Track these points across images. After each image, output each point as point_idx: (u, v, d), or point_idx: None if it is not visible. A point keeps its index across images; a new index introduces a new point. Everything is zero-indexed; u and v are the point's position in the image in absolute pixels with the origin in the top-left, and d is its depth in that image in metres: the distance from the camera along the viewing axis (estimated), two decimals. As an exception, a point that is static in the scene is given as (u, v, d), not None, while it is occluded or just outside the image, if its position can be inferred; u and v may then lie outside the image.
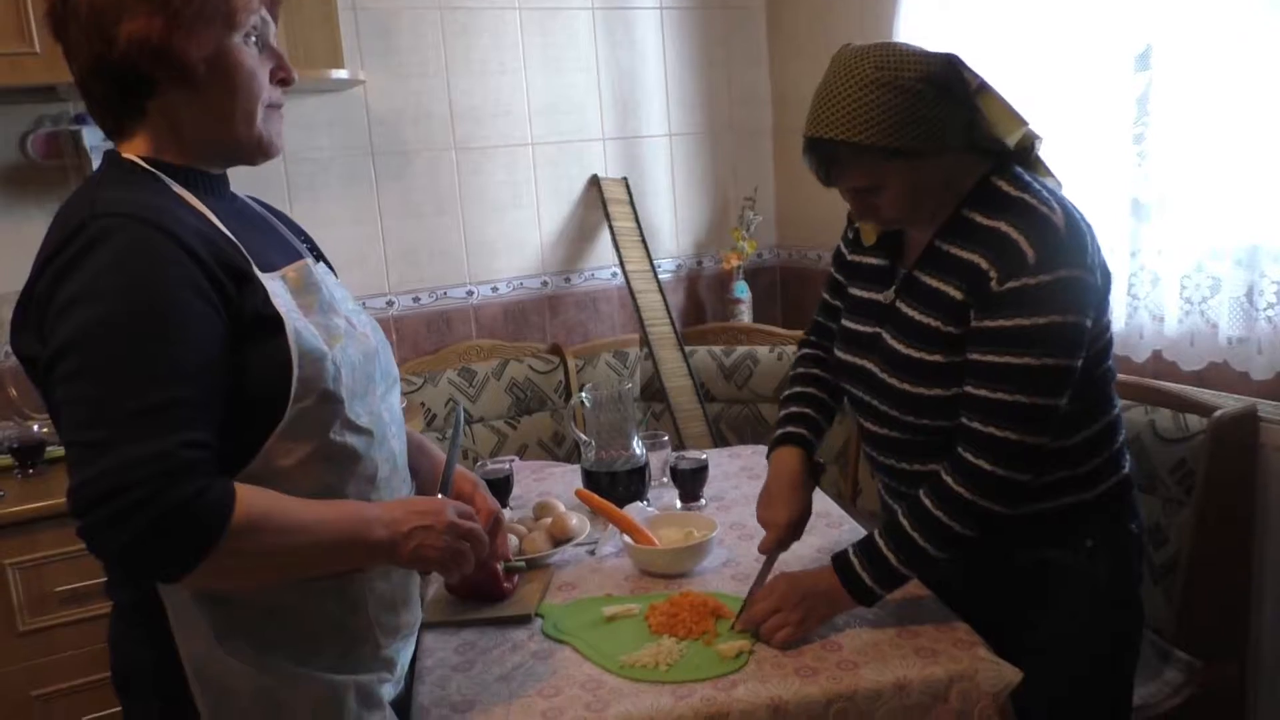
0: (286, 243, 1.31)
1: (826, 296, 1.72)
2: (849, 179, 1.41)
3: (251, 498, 1.05)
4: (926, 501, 1.40)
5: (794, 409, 1.71)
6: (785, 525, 1.58)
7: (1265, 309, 1.99)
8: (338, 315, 1.22)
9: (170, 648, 1.13)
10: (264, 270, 1.15)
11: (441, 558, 1.18)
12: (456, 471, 1.44)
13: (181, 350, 1.03)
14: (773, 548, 1.58)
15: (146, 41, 1.09)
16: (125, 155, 1.17)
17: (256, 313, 1.11)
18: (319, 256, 1.39)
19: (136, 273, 1.03)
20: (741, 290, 3.54)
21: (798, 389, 1.74)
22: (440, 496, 1.29)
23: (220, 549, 1.01)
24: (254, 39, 1.16)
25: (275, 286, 1.14)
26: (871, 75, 1.33)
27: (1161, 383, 2.11)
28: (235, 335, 1.10)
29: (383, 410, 1.27)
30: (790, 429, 1.69)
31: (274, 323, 1.11)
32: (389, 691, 1.30)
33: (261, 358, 1.11)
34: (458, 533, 1.20)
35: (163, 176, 1.15)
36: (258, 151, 1.21)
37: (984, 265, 1.36)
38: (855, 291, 1.61)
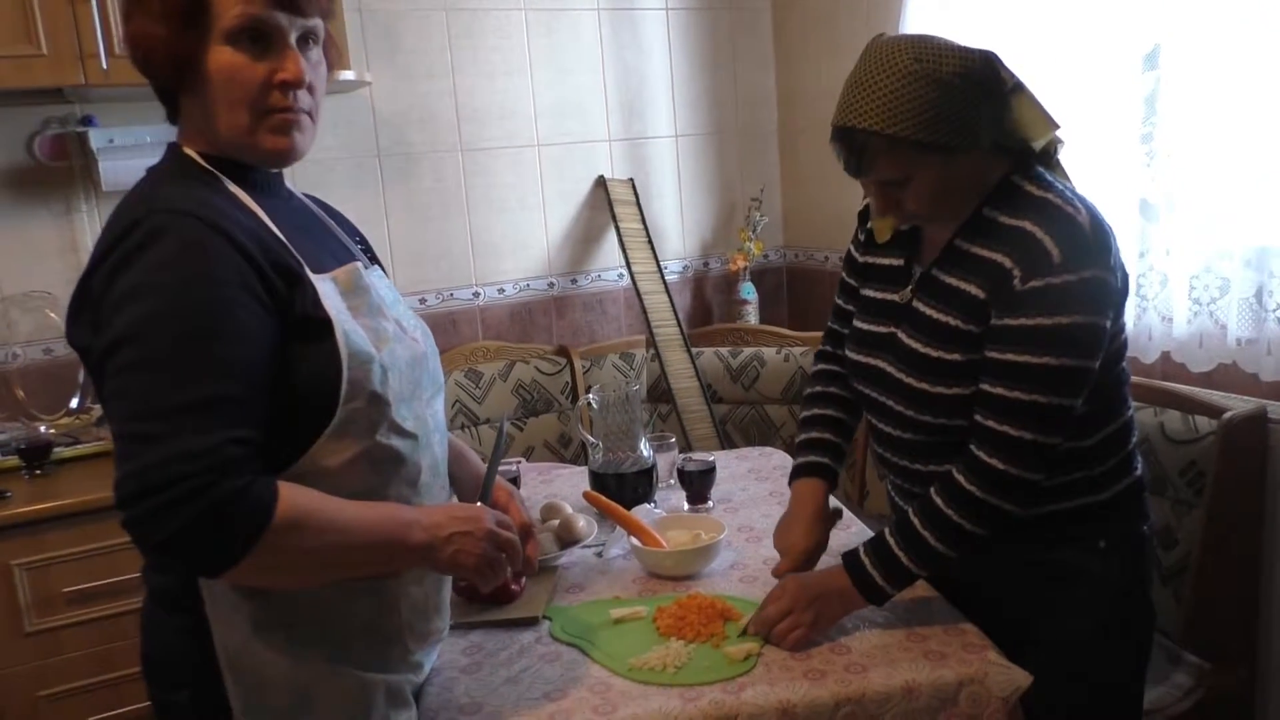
0: (340, 244, 1.32)
1: (839, 302, 1.70)
2: (878, 170, 1.38)
3: (294, 496, 1.05)
4: (938, 500, 1.40)
5: (813, 434, 1.70)
6: (802, 552, 1.57)
7: (1275, 310, 1.98)
8: (386, 319, 1.22)
9: (204, 636, 1.14)
10: (315, 271, 1.16)
11: (479, 565, 1.19)
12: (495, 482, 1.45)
13: (231, 347, 1.04)
14: (786, 573, 1.56)
15: (140, 43, 1.12)
16: (185, 150, 1.19)
17: (306, 314, 1.12)
18: (373, 258, 1.40)
19: (190, 269, 1.05)
20: (748, 291, 3.54)
21: (815, 410, 1.72)
22: (480, 505, 1.30)
23: (262, 546, 1.02)
24: (253, 38, 1.13)
25: (326, 288, 1.16)
26: (909, 66, 1.31)
27: (1170, 384, 2.10)
28: (286, 335, 1.11)
29: (428, 415, 1.28)
30: (812, 458, 1.68)
31: (324, 324, 1.12)
32: (412, 688, 1.31)
33: (311, 358, 1.12)
34: (496, 541, 1.21)
35: (218, 174, 1.17)
36: (260, 158, 1.20)
37: (1007, 264, 1.35)
38: (869, 293, 1.59)
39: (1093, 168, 2.27)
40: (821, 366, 1.76)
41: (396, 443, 1.19)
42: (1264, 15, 1.91)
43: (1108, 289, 1.34)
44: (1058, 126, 1.39)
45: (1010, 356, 1.34)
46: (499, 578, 1.23)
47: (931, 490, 1.42)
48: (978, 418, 1.38)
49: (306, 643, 1.17)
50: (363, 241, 1.41)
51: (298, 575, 1.12)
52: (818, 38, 3.38)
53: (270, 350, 1.09)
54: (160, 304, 1.03)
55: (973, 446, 1.38)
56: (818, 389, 1.74)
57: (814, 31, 3.40)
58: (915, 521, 1.41)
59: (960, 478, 1.38)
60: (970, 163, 1.39)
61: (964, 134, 1.34)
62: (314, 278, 1.15)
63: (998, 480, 1.36)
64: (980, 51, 1.35)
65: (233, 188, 1.17)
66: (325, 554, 1.09)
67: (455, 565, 1.18)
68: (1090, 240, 1.33)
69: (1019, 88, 1.38)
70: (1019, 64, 2.34)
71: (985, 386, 1.37)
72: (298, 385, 1.11)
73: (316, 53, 1.20)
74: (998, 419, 1.36)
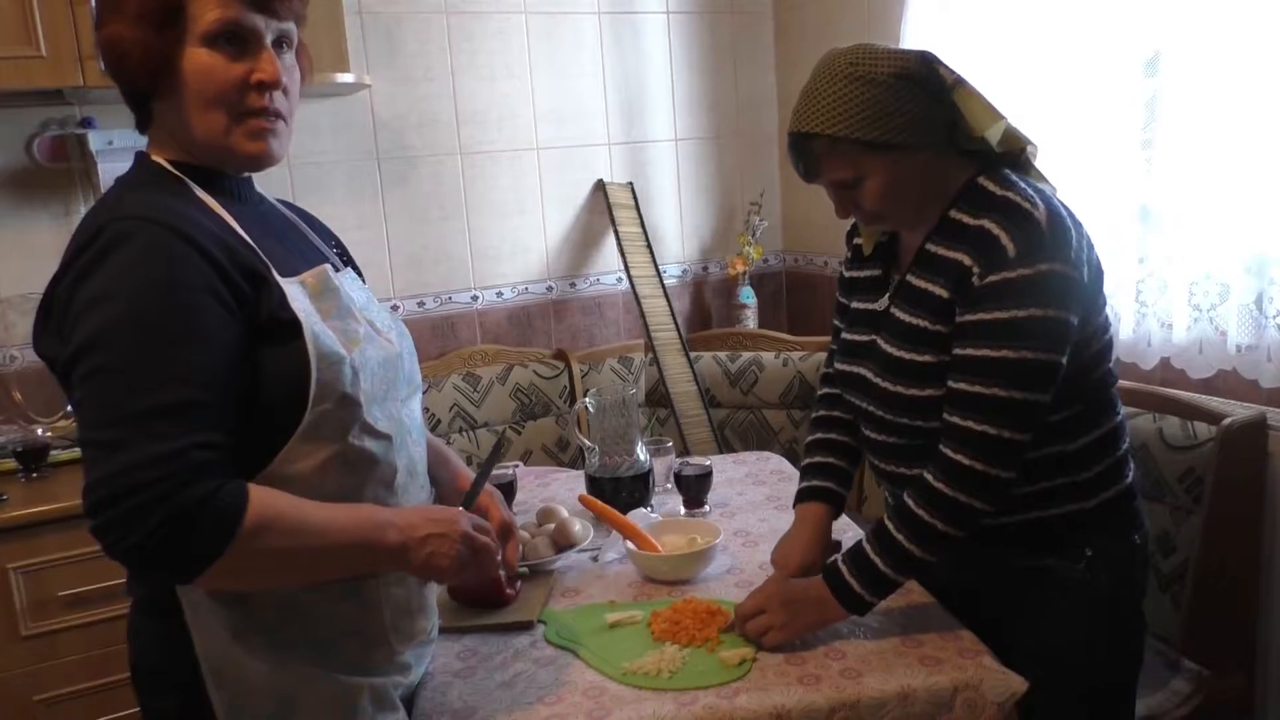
0: (312, 247, 1.32)
1: (836, 323, 1.71)
2: (828, 172, 1.43)
3: (264, 499, 1.05)
4: (909, 501, 1.40)
5: (816, 458, 1.71)
6: (796, 568, 1.57)
7: (1274, 316, 1.98)
8: (356, 320, 1.22)
9: (187, 644, 1.14)
10: (284, 275, 1.16)
11: (452, 567, 1.18)
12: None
13: (195, 352, 1.04)
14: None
15: (115, 45, 1.12)
16: (154, 158, 1.19)
17: (273, 316, 1.12)
18: (349, 261, 1.40)
19: (152, 275, 1.04)
20: (747, 296, 3.54)
21: (820, 434, 1.73)
22: (459, 509, 1.29)
23: (232, 550, 1.01)
24: (230, 40, 1.13)
25: (294, 291, 1.15)
26: (846, 70, 1.37)
27: (1170, 390, 2.10)
28: (252, 338, 1.11)
29: (403, 415, 1.28)
30: (816, 482, 1.68)
31: (291, 326, 1.12)
32: (403, 690, 1.31)
33: (279, 361, 1.11)
34: (471, 545, 1.20)
35: (186, 180, 1.17)
36: (236, 161, 1.20)
37: (967, 262, 1.37)
38: (855, 305, 1.62)
39: (1093, 173, 2.27)
40: (825, 390, 1.76)
41: (370, 444, 1.19)
42: (1264, 23, 1.91)
43: (1068, 282, 1.34)
44: (1003, 118, 1.40)
45: (971, 351, 1.36)
46: (474, 579, 1.22)
47: (905, 493, 1.42)
48: (945, 415, 1.39)
49: (287, 648, 1.16)
50: (338, 246, 1.41)
51: (272, 578, 1.12)
52: (819, 42, 3.37)
53: (235, 354, 1.08)
54: (121, 310, 1.03)
55: (941, 445, 1.39)
56: (821, 413, 1.75)
57: (815, 36, 3.40)
58: (890, 525, 1.41)
59: (930, 477, 1.39)
60: (924, 162, 1.41)
61: (905, 130, 1.37)
62: (281, 281, 1.14)
63: (965, 477, 1.36)
64: (917, 52, 1.40)
65: (201, 193, 1.17)
66: (298, 557, 1.09)
67: (429, 568, 1.17)
68: (1047, 234, 1.34)
69: (960, 83, 1.40)
70: (1020, 70, 2.38)
71: (951, 383, 1.38)
72: (267, 388, 1.11)
73: (290, 57, 1.20)
74: (962, 414, 1.36)
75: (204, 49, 1.12)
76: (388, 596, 1.24)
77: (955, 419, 1.37)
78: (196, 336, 1.05)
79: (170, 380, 1.02)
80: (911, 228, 1.49)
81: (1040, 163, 1.47)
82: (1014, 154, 1.45)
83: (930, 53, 1.40)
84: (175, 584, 1.11)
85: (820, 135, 1.38)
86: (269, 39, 1.16)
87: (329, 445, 1.15)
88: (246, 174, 1.26)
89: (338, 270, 1.28)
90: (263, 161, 1.19)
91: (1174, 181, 2.14)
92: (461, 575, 1.21)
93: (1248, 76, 1.95)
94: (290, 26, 1.19)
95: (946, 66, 1.40)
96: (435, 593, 1.38)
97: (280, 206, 1.36)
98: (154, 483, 0.97)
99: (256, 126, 1.16)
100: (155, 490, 0.97)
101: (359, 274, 1.39)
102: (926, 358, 1.42)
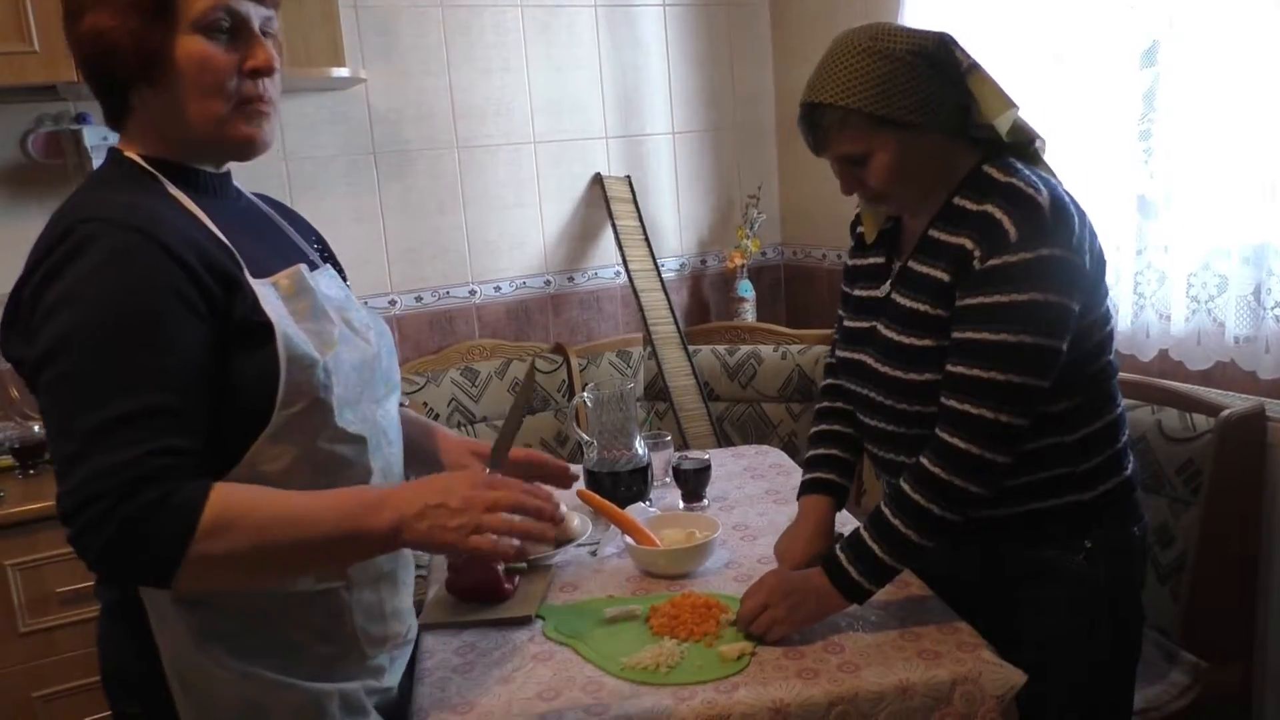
0: (290, 245, 1.29)
1: (840, 310, 1.70)
2: (836, 145, 1.42)
3: (228, 496, 1.02)
4: (906, 486, 1.40)
5: (820, 450, 1.70)
6: (800, 560, 1.56)
7: (1273, 307, 1.97)
8: (330, 321, 1.19)
9: (152, 650, 1.12)
10: (258, 275, 1.14)
11: (459, 537, 1.06)
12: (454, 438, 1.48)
13: (160, 357, 1.03)
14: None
15: (100, 36, 1.10)
16: (126, 154, 1.17)
17: (245, 319, 1.10)
18: (328, 258, 1.38)
19: (118, 279, 1.03)
20: (745, 289, 3.53)
21: (823, 426, 1.72)
22: (469, 470, 1.24)
23: (195, 551, 0.99)
24: (222, 27, 1.11)
25: (267, 292, 1.13)
26: (864, 45, 1.37)
27: (1168, 382, 2.10)
28: (223, 341, 1.09)
29: (379, 417, 1.25)
30: (820, 474, 1.67)
31: (264, 329, 1.10)
32: (378, 696, 1.28)
33: (251, 364, 1.09)
34: (482, 503, 1.07)
35: (160, 177, 1.15)
36: (230, 149, 1.18)
37: (969, 246, 1.37)
38: (857, 293, 1.61)
39: (1091, 164, 2.26)
40: (829, 381, 1.76)
41: (340, 448, 1.16)
42: (1262, 12, 1.90)
43: (1069, 268, 1.34)
44: (1015, 105, 1.40)
45: (970, 334, 1.35)
46: (513, 537, 1.08)
47: (902, 478, 1.41)
48: (942, 399, 1.38)
49: (251, 654, 1.14)
50: (319, 241, 1.39)
51: (254, 577, 1.09)
52: (815, 34, 3.36)
53: (202, 358, 1.06)
54: (85, 315, 1.01)
55: (938, 428, 1.38)
56: (825, 404, 1.74)
57: (812, 27, 3.39)
58: (886, 512, 1.41)
59: (925, 461, 1.38)
60: (932, 145, 1.41)
61: (917, 110, 1.37)
62: (254, 282, 1.12)
63: (960, 460, 1.35)
64: (935, 33, 1.40)
65: (174, 190, 1.15)
66: (273, 550, 1.04)
67: (433, 543, 1.06)
68: (1048, 220, 1.33)
69: (975, 68, 1.40)
70: (1018, 62, 2.37)
71: (949, 366, 1.38)
72: (240, 390, 1.09)
73: (272, 44, 1.19)
74: (959, 398, 1.36)
75: (198, 36, 1.10)
76: (357, 601, 1.21)
77: (952, 402, 1.37)
78: (160, 341, 1.03)
79: (131, 386, 1.00)
80: (914, 211, 1.49)
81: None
82: (1022, 146, 1.44)
83: (949, 35, 1.40)
84: (154, 588, 1.08)
85: (833, 106, 1.38)
86: (256, 25, 1.15)
87: (296, 447, 1.12)
88: (225, 169, 1.24)
89: (316, 267, 1.26)
90: (256, 148, 1.18)
91: (1172, 172, 2.14)
92: (476, 541, 1.06)
93: (1246, 67, 1.95)
94: (273, 13, 1.18)
95: (963, 50, 1.40)
96: (411, 597, 1.36)
97: (258, 202, 1.34)
98: (109, 492, 0.96)
99: (253, 111, 1.15)
100: (108, 500, 0.96)
101: (339, 269, 1.37)
102: (926, 342, 1.42)
